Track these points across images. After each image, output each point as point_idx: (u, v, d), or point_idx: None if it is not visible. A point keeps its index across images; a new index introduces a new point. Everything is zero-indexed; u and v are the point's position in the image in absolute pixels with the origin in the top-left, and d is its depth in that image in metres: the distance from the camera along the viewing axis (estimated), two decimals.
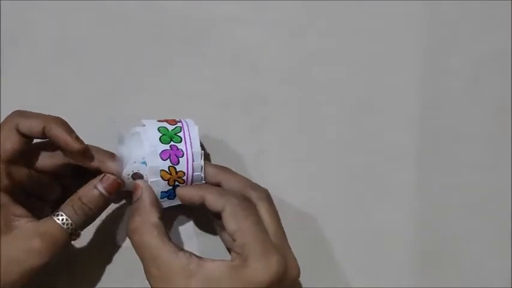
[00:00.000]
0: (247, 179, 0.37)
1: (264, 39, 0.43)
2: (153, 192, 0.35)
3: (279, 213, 0.41)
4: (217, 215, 0.35)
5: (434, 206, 0.42)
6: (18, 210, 0.34)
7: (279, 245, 0.34)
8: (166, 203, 0.37)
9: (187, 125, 0.37)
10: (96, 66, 0.43)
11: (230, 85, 0.43)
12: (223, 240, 0.38)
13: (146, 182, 0.36)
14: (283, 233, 0.35)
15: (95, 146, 0.36)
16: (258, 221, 0.34)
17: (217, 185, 0.37)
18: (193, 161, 0.36)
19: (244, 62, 0.43)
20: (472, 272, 0.42)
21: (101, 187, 0.35)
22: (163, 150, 0.35)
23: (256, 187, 0.36)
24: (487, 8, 0.44)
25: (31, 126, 0.34)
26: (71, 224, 0.34)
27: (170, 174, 0.36)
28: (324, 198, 0.42)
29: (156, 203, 0.35)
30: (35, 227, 0.33)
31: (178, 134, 0.36)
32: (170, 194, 0.37)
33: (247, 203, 0.34)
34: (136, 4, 0.43)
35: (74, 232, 0.34)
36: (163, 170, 0.35)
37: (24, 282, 0.33)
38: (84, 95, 0.43)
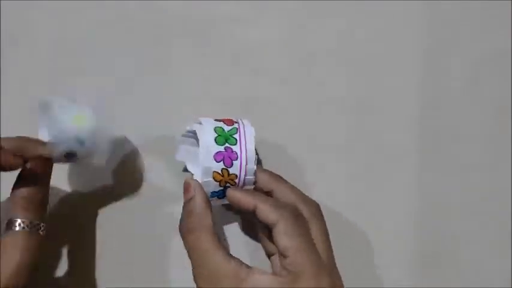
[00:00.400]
0: (299, 190, 0.36)
1: (264, 39, 0.43)
2: (205, 192, 0.35)
3: None
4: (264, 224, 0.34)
5: (434, 206, 0.42)
6: None
7: (328, 265, 0.34)
8: (215, 202, 0.37)
9: (243, 126, 0.37)
10: (96, 66, 0.43)
11: (230, 85, 0.43)
12: (265, 247, 0.38)
13: (197, 181, 0.35)
14: (332, 251, 0.35)
15: (15, 137, 0.34)
16: (311, 240, 0.34)
17: (269, 192, 0.36)
18: (246, 164, 0.35)
19: (244, 62, 0.43)
20: (472, 272, 0.42)
21: (28, 164, 0.34)
22: (217, 152, 0.35)
23: (307, 201, 0.36)
24: (487, 8, 0.44)
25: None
26: (30, 223, 0.33)
27: (222, 176, 0.35)
28: (324, 198, 0.42)
29: (209, 204, 0.35)
30: (2, 245, 0.32)
31: (234, 136, 0.36)
32: (220, 194, 0.36)
33: (300, 220, 0.34)
34: (136, 4, 0.43)
35: (38, 227, 0.34)
36: (215, 171, 0.35)
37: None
38: (84, 95, 0.43)
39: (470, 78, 0.43)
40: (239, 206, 0.35)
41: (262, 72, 0.43)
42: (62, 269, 0.41)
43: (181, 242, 0.42)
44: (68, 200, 0.41)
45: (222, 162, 0.35)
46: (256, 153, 0.37)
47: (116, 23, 0.43)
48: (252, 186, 0.36)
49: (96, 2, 0.43)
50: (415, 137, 0.43)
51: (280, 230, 0.33)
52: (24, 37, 0.43)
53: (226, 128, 0.36)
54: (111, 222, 0.41)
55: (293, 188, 0.36)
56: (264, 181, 0.36)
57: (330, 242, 0.35)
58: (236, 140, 0.36)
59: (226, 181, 0.35)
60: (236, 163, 0.35)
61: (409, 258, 0.42)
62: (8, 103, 0.43)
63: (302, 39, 0.43)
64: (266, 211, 0.34)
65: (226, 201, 0.36)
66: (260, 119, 0.43)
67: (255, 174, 0.36)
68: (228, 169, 0.35)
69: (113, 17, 0.43)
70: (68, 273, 0.41)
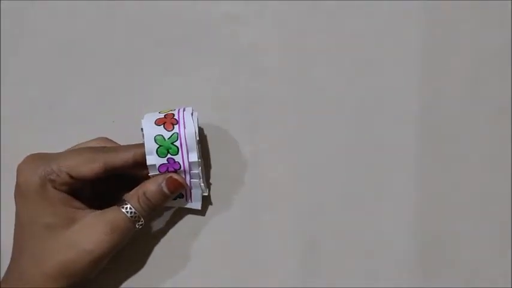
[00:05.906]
0: None
1: (264, 39, 0.43)
2: None
3: (278, 212, 0.41)
4: None
5: (434, 206, 0.42)
6: (78, 203, 0.36)
7: None
8: (179, 203, 0.40)
9: (183, 127, 0.37)
10: (96, 66, 0.43)
11: (230, 85, 0.43)
12: None
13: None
14: None
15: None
16: None
17: None
18: (190, 170, 0.37)
19: (244, 62, 0.43)
20: (472, 272, 0.42)
21: (164, 185, 0.36)
22: (161, 165, 0.36)
23: None
24: (487, 8, 0.44)
25: (120, 162, 0.36)
26: (136, 214, 0.36)
27: None
28: (324, 198, 0.42)
29: None
30: (100, 215, 0.35)
31: (175, 143, 0.36)
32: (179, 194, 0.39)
33: None
34: (136, 4, 0.43)
35: (138, 220, 0.36)
36: None
37: (93, 270, 0.35)
38: (84, 95, 0.43)
39: (470, 78, 0.43)
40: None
41: (262, 72, 0.43)
42: None
43: (183, 243, 0.42)
44: None
45: (166, 172, 0.37)
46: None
47: (116, 23, 0.43)
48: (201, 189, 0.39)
49: (96, 2, 0.43)
50: (415, 137, 0.43)
51: None
52: (24, 37, 0.43)
53: (167, 134, 0.36)
54: None
55: None
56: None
57: None
58: (178, 148, 0.36)
59: None
60: (180, 172, 0.37)
61: (409, 258, 0.42)
62: (8, 103, 0.43)
63: (302, 39, 0.43)
64: None
65: (185, 204, 0.39)
66: (260, 119, 0.43)
67: (201, 178, 0.38)
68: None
69: (113, 17, 0.43)
70: None
